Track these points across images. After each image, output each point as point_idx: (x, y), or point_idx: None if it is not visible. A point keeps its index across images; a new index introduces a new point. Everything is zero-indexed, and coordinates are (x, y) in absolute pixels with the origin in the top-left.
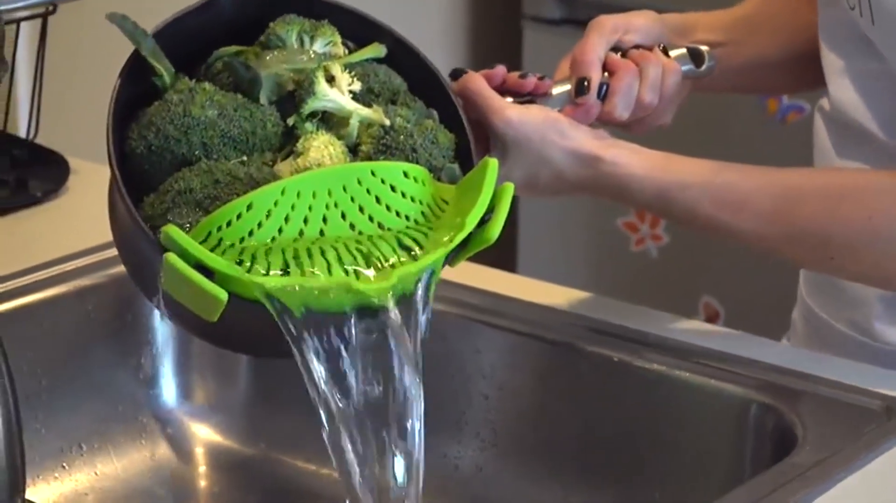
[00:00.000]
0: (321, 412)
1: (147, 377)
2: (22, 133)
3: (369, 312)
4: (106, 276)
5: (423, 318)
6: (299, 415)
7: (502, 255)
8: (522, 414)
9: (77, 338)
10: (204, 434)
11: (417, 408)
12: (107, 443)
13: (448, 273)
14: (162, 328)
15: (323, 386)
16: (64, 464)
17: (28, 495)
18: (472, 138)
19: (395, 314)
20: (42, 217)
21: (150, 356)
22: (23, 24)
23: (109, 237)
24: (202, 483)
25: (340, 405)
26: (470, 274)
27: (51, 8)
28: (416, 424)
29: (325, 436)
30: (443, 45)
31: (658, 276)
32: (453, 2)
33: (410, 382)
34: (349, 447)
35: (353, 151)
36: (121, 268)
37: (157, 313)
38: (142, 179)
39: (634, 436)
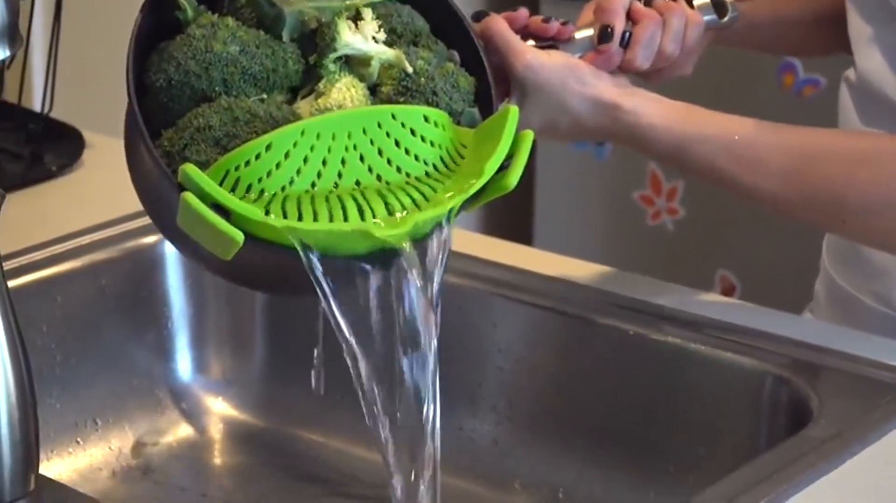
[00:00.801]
0: (345, 350)
1: (162, 351)
2: (37, 107)
3: (387, 254)
4: (121, 251)
5: (441, 257)
6: (314, 390)
7: (519, 228)
8: (538, 387)
9: (92, 313)
10: (219, 408)
11: (431, 341)
12: (122, 417)
13: (464, 246)
14: (177, 302)
15: (343, 324)
16: (78, 439)
17: (42, 470)
18: (492, 81)
19: (411, 255)
20: (57, 191)
21: (165, 330)
22: None
23: (124, 211)
24: (217, 457)
25: (358, 341)
26: (486, 247)
27: None
28: (430, 357)
29: (352, 374)
30: None
31: (674, 250)
32: None
33: (426, 317)
34: (370, 385)
35: (373, 91)
36: (136, 243)
37: (172, 287)
38: (159, 112)
39: (649, 409)
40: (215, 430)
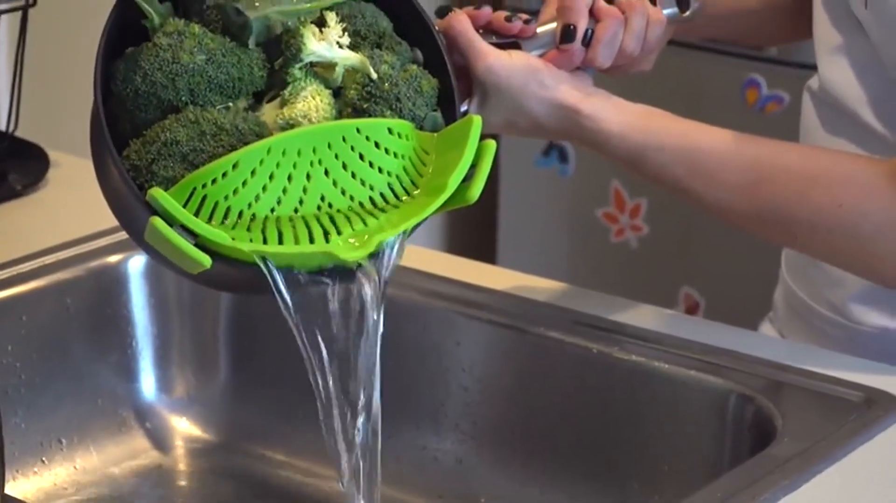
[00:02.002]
0: (305, 357)
1: (126, 370)
2: (2, 126)
3: (347, 269)
4: (85, 270)
5: (391, 264)
6: (278, 409)
7: (482, 246)
8: (502, 406)
9: (56, 332)
10: (183, 427)
11: (376, 346)
12: (86, 437)
13: (428, 264)
14: (141, 322)
15: (301, 329)
16: (43, 459)
17: (7, 490)
18: (454, 80)
19: (369, 269)
20: (21, 210)
21: (129, 350)
22: (3, 16)
23: (89, 230)
24: (181, 476)
25: (319, 346)
26: (449, 265)
27: (31, 0)
28: (374, 360)
29: (312, 382)
30: None
31: (638, 267)
32: None
33: (374, 322)
34: (324, 387)
35: (337, 94)
36: (100, 262)
37: (136, 307)
38: (125, 116)
39: (614, 427)
40: (180, 449)
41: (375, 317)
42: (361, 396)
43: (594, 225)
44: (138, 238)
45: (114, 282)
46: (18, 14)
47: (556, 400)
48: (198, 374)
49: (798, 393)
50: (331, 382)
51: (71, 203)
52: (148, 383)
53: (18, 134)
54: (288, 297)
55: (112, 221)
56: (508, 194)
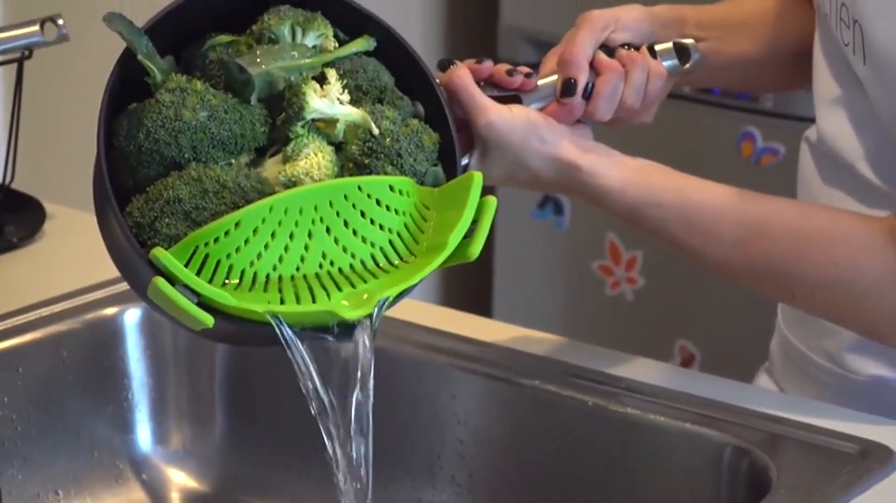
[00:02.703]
0: (311, 404)
1: (122, 422)
2: None
3: (347, 325)
4: (81, 322)
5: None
6: (273, 461)
7: (478, 299)
8: (497, 459)
9: (53, 384)
10: (179, 479)
11: (369, 397)
12: (83, 489)
13: (423, 318)
14: (137, 374)
15: (309, 377)
16: None
17: None
18: (456, 134)
19: (366, 324)
20: (18, 262)
21: (125, 402)
22: None
23: (85, 283)
24: None
25: (320, 393)
26: (445, 319)
27: (26, 53)
28: (368, 406)
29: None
30: None
31: (634, 320)
32: (429, 48)
33: (366, 370)
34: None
35: (338, 148)
36: (96, 314)
37: (132, 359)
38: (126, 170)
39: (609, 480)
40: (176, 501)
41: (367, 367)
42: (353, 448)
43: (590, 277)
44: (140, 293)
45: (110, 334)
46: (14, 66)
47: (551, 452)
48: (194, 427)
49: (793, 445)
50: (335, 434)
51: (67, 255)
52: (144, 435)
53: (15, 186)
54: (304, 351)
55: (108, 274)
56: (504, 246)
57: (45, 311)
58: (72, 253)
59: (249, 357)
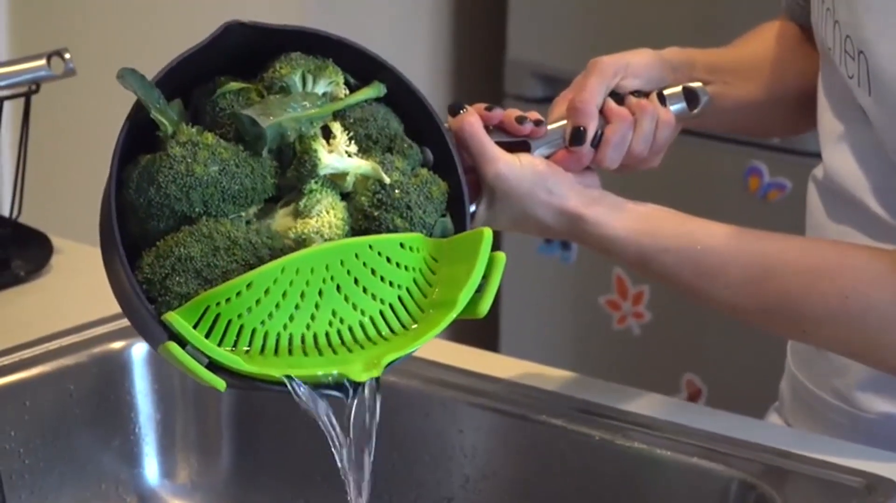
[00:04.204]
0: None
1: (129, 456)
2: (5, 212)
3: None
4: (88, 356)
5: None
6: (280, 495)
7: (485, 334)
8: (504, 494)
9: (60, 418)
10: None
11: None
12: None
13: (430, 353)
14: (144, 408)
15: (329, 424)
16: None
17: None
18: (465, 184)
19: (372, 381)
20: (25, 297)
21: (132, 435)
22: (5, 102)
23: (92, 317)
24: None
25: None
26: (453, 354)
27: (33, 87)
28: (369, 456)
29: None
30: None
31: (641, 354)
32: (435, 82)
33: (371, 421)
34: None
35: (346, 197)
36: (104, 348)
37: (139, 392)
38: (135, 222)
39: None
40: None
41: (371, 414)
42: (352, 487)
43: (597, 312)
44: (150, 344)
45: (117, 368)
46: (22, 100)
47: (558, 487)
48: (201, 460)
49: (799, 479)
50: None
51: (74, 289)
52: (151, 469)
53: (22, 220)
54: (326, 407)
55: (115, 308)
56: (511, 281)
57: (52, 345)
58: (79, 287)
59: (256, 393)
